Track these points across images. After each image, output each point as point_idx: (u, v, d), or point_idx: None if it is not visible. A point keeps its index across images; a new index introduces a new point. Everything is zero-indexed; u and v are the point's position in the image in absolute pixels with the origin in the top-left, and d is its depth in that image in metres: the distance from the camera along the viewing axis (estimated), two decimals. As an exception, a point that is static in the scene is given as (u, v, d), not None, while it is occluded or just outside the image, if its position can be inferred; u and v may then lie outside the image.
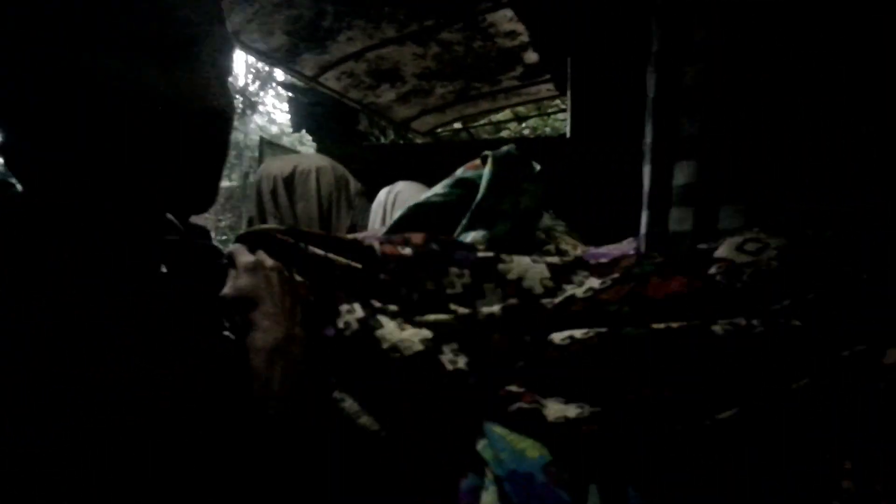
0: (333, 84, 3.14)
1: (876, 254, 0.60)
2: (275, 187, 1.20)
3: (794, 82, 0.82)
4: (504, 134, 4.68)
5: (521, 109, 4.70)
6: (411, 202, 1.35)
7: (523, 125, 4.52)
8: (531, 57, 3.35)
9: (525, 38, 3.03)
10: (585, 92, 2.95)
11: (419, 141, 4.61)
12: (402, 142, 4.54)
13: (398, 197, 1.43)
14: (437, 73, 3.40)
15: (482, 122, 4.74)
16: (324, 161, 1.24)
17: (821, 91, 0.80)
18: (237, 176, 7.83)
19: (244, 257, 0.54)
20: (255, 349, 0.47)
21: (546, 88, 4.02)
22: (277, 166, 1.22)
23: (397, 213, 1.11)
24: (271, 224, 1.19)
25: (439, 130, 4.82)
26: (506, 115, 4.73)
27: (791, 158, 0.82)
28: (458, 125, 5.04)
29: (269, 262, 0.55)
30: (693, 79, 0.90)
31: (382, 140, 4.07)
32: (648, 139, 0.95)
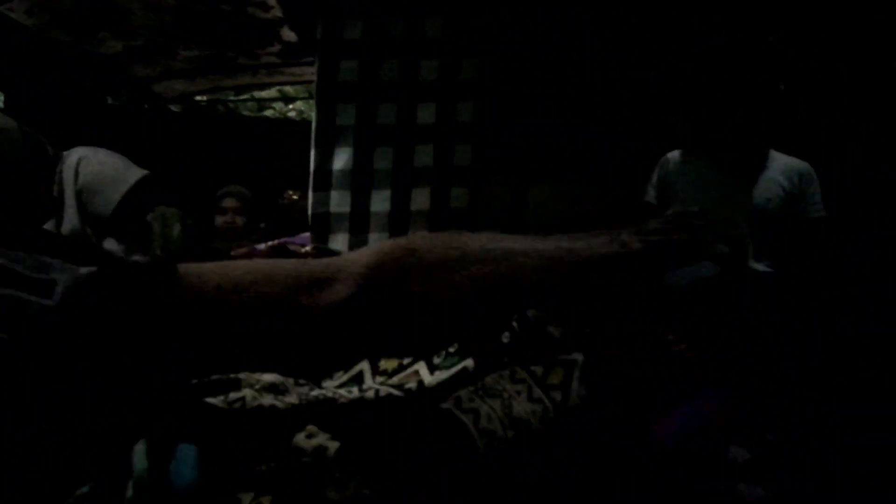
0: (23, 18, 2.47)
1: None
2: None
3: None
4: (268, 113, 4.42)
5: (288, 90, 4.51)
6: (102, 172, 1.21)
7: (290, 106, 4.35)
8: (290, 35, 3.23)
9: (279, 12, 2.89)
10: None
11: (175, 109, 4.02)
12: (146, 106, 3.89)
13: (81, 163, 1.29)
14: (178, 33, 2.99)
15: (244, 97, 4.39)
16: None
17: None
18: None
19: None
20: None
21: (311, 71, 3.94)
22: None
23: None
24: None
25: (196, 99, 4.29)
26: (272, 93, 4.48)
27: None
28: (221, 96, 4.56)
29: None
30: (347, 73, 0.98)
31: (110, 101, 3.40)
32: (314, 125, 1.00)
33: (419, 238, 0.54)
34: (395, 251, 0.51)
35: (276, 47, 3.39)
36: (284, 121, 4.12)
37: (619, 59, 1.18)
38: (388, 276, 0.49)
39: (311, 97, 5.75)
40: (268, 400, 0.47)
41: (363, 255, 0.52)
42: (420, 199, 1.00)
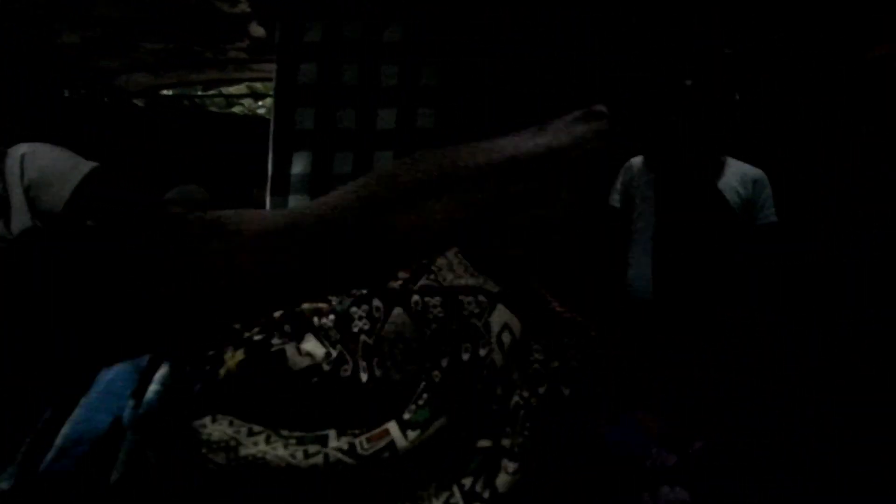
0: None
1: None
2: None
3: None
4: (237, 109, 4.32)
5: (258, 86, 4.42)
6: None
7: (259, 103, 4.27)
8: (258, 30, 3.16)
9: (247, 7, 2.83)
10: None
11: (138, 103, 3.89)
12: (106, 99, 3.75)
13: (25, 160, 1.23)
14: (140, 25, 2.90)
15: (212, 92, 4.28)
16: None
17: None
18: None
19: None
20: None
21: (281, 68, 3.88)
22: None
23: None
24: None
25: (163, 92, 4.16)
26: (240, 89, 4.38)
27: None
28: (189, 91, 4.43)
29: None
30: (306, 76, 0.97)
31: (67, 94, 3.27)
32: (272, 130, 0.98)
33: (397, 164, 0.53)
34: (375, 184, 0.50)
35: (245, 42, 3.32)
36: (253, 118, 4.04)
37: (580, 61, 1.19)
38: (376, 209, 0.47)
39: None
40: (220, 458, 0.45)
41: (350, 192, 0.50)
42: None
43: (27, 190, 1.27)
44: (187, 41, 3.22)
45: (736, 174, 1.63)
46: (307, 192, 0.97)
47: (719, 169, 1.61)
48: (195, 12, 2.88)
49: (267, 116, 4.95)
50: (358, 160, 0.99)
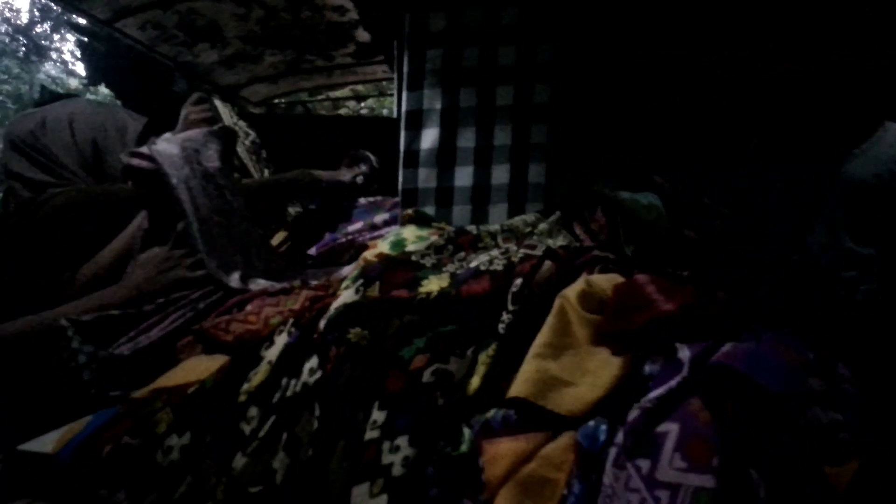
0: (136, 34, 2.81)
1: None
2: (18, 147, 1.06)
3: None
4: (342, 111, 4.67)
5: (360, 88, 4.73)
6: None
7: (362, 105, 4.57)
8: (363, 35, 3.41)
9: (354, 15, 3.07)
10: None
11: (255, 111, 4.36)
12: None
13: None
14: (263, 40, 3.26)
15: (321, 97, 4.66)
16: (83, 106, 1.12)
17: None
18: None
19: None
20: None
21: (382, 70, 4.12)
22: (21, 122, 1.08)
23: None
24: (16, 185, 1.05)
25: (277, 101, 4.62)
26: (345, 92, 4.72)
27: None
28: (298, 97, 4.88)
29: None
30: (433, 62, 1.07)
31: (205, 105, 3.74)
32: (403, 109, 1.10)
33: None
34: None
35: (350, 48, 3.60)
36: (358, 118, 4.35)
37: (688, 50, 1.17)
38: None
39: (380, 95, 6.03)
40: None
41: None
42: (500, 174, 1.08)
43: None
44: (301, 51, 3.55)
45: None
46: (435, 165, 1.07)
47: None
48: (309, 25, 3.18)
49: (368, 115, 5.30)
50: (479, 134, 1.08)
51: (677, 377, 0.53)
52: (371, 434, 0.53)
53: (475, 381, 0.60)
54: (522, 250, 0.79)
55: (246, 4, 2.77)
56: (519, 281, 0.68)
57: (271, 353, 0.66)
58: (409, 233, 0.92)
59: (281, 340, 0.68)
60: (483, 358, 0.62)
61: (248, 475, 0.53)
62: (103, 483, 0.53)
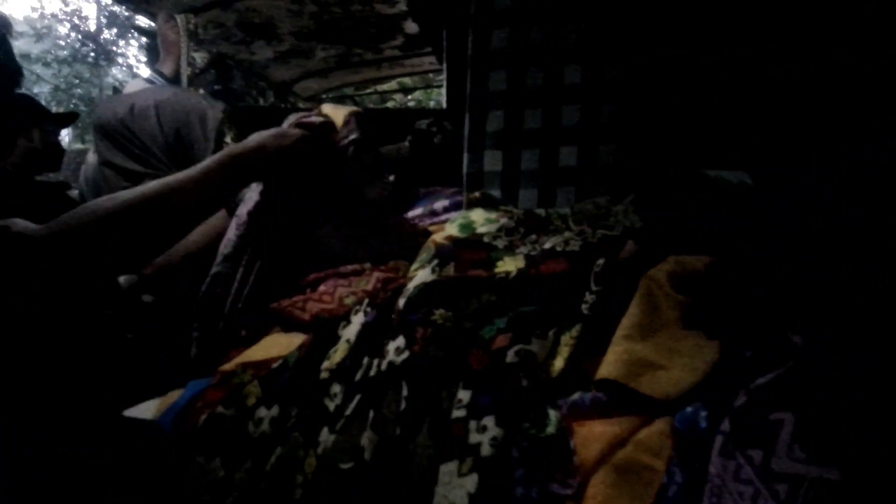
0: (201, 32, 2.93)
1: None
2: (110, 135, 1.11)
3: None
4: (389, 104, 4.71)
5: (406, 81, 4.75)
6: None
7: (409, 97, 4.59)
8: (412, 27, 3.41)
9: (403, 6, 3.08)
10: (461, 65, 3.06)
11: (301, 105, 4.47)
12: (283, 105, 4.36)
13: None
14: (316, 34, 3.32)
15: (368, 90, 4.72)
16: (164, 94, 1.17)
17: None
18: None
19: None
20: None
21: (429, 61, 4.12)
22: (110, 109, 1.13)
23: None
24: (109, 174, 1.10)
25: (323, 96, 4.71)
26: (392, 85, 4.75)
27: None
28: (346, 91, 4.96)
29: None
30: (499, 41, 1.05)
31: (261, 102, 3.88)
32: (468, 92, 1.08)
33: None
34: None
35: (399, 40, 3.61)
36: (406, 110, 4.38)
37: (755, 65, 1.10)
38: None
39: (427, 87, 6.06)
40: None
41: None
42: (567, 157, 1.04)
43: None
44: (351, 45, 3.60)
45: None
46: (501, 147, 1.05)
47: None
48: (359, 16, 3.21)
49: (416, 108, 5.33)
50: (546, 115, 1.05)
51: (789, 362, 0.49)
52: (457, 413, 0.52)
53: (558, 363, 0.58)
54: (600, 231, 0.76)
55: (300, 0, 2.84)
56: (601, 261, 0.65)
57: (349, 332, 0.67)
58: (478, 215, 0.90)
59: (358, 320, 0.68)
60: (566, 339, 0.60)
61: (337, 451, 0.53)
62: (200, 450, 0.55)
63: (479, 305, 0.65)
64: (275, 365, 0.64)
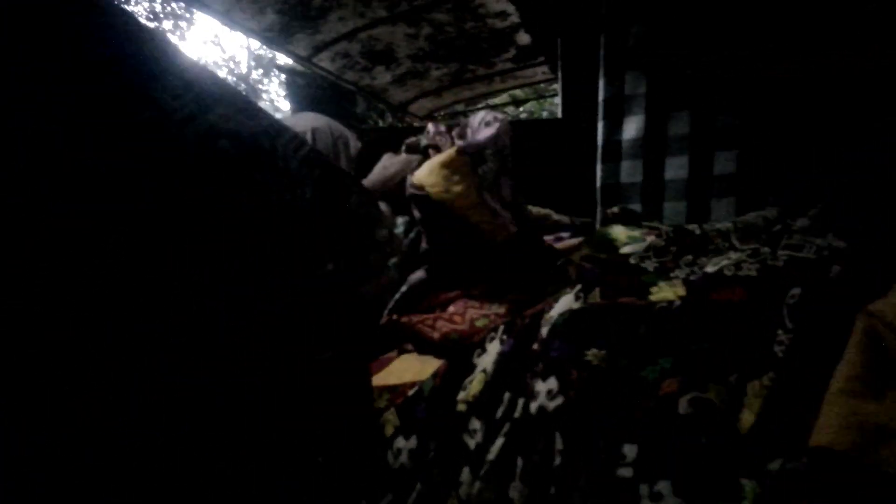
0: (328, 65, 3.18)
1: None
2: None
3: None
4: (500, 117, 4.69)
5: (518, 93, 4.71)
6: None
7: (521, 109, 4.54)
8: (524, 38, 3.37)
9: (516, 18, 3.05)
10: (576, 73, 2.96)
11: (417, 125, 4.64)
12: (400, 125, 4.57)
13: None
14: (430, 55, 3.43)
15: (480, 105, 4.75)
16: (320, 121, 1.26)
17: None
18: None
19: None
20: None
21: (542, 71, 4.03)
22: None
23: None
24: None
25: (437, 115, 4.85)
26: (503, 98, 4.74)
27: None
28: (458, 108, 5.06)
29: None
30: (636, 38, 0.94)
31: (381, 124, 4.10)
32: (601, 97, 0.99)
33: None
34: None
35: (511, 52, 3.58)
36: (521, 122, 4.33)
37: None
38: None
39: (540, 98, 5.96)
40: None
41: None
42: (721, 164, 0.90)
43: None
44: (464, 62, 3.66)
45: None
46: (641, 157, 0.95)
47: None
48: (472, 33, 3.25)
49: (527, 119, 5.25)
50: (695, 119, 0.92)
51: None
52: (623, 472, 0.44)
53: (747, 418, 0.47)
54: (784, 252, 0.62)
55: (416, 24, 2.94)
56: (797, 290, 0.53)
57: (485, 361, 0.62)
58: (619, 233, 0.81)
59: (494, 348, 0.63)
60: (755, 388, 0.49)
61: (484, 501, 0.48)
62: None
63: (635, 339, 0.56)
64: (410, 392, 0.61)
